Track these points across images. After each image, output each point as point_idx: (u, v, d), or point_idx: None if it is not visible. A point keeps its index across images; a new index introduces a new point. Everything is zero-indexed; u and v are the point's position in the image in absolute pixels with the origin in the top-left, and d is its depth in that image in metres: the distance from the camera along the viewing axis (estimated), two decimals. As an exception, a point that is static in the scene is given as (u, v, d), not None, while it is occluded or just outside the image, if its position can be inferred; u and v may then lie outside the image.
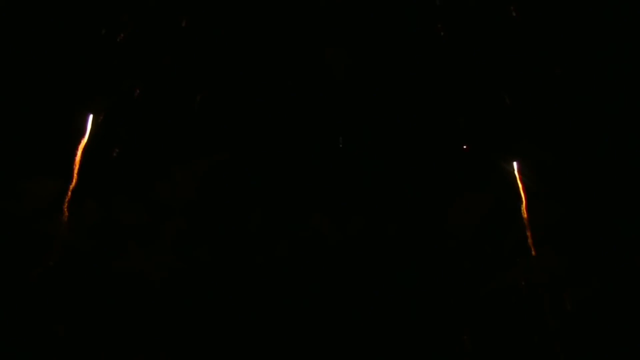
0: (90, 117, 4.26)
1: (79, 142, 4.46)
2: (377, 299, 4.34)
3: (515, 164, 4.78)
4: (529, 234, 4.63)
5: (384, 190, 4.59)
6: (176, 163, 4.52)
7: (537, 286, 4.43)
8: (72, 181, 4.51)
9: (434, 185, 4.55)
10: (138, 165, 4.53)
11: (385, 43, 4.77)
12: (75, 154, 4.45)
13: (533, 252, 4.55)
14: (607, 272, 4.69)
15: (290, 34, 4.61)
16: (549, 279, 4.50)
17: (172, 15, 4.63)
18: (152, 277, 4.37)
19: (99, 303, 4.26)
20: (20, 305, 4.28)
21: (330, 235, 4.56)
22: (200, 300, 4.38)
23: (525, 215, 4.64)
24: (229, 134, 4.53)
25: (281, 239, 4.42)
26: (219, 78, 4.68)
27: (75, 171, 4.47)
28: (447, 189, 4.59)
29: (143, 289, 4.35)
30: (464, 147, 4.79)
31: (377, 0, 4.74)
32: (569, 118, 4.80)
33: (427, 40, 4.70)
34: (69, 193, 4.45)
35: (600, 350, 4.49)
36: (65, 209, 4.39)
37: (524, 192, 4.67)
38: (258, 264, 4.44)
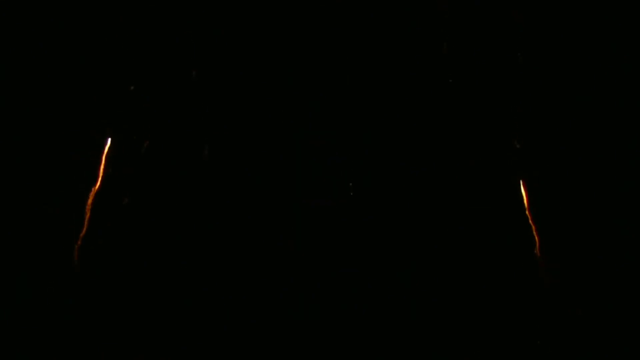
0: (104, 159, 4.29)
1: (91, 188, 4.50)
2: (379, 304, 4.30)
3: (521, 181, 4.72)
4: (537, 242, 4.61)
5: (390, 201, 4.54)
6: (188, 210, 4.50)
7: (544, 293, 4.39)
8: (83, 229, 4.51)
9: (439, 193, 4.51)
10: (148, 211, 4.52)
11: (391, 51, 4.73)
12: (87, 199, 4.47)
13: (539, 259, 4.54)
14: (618, 280, 4.64)
15: (302, 57, 4.59)
16: (557, 286, 4.46)
17: (183, 64, 4.62)
18: (151, 278, 4.34)
19: (100, 304, 4.24)
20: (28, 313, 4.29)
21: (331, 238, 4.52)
22: (200, 300, 4.36)
23: (532, 226, 4.60)
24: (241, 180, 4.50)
25: (281, 239, 4.38)
26: (228, 125, 4.67)
27: (87, 217, 4.49)
28: (452, 197, 4.54)
29: (143, 289, 4.33)
30: (471, 161, 4.75)
31: (384, 9, 4.71)
32: (579, 131, 4.73)
33: (434, 52, 4.68)
34: (80, 240, 4.47)
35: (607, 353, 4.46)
36: (76, 253, 4.41)
37: (527, 199, 4.66)
38: (257, 264, 4.42)
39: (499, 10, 5.40)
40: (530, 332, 5.06)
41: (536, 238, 5.15)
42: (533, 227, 5.16)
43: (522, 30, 5.41)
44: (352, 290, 5.15)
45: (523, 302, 5.12)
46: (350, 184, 5.17)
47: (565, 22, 5.39)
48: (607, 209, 5.16)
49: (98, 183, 5.09)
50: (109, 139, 5.15)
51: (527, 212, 5.20)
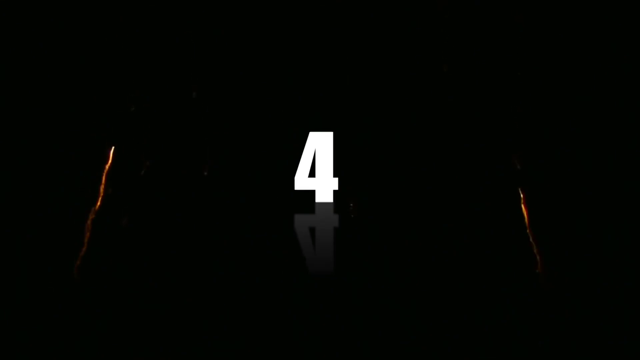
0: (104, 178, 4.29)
1: (90, 208, 4.49)
2: (378, 305, 4.31)
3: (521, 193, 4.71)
4: (535, 249, 4.61)
5: (390, 205, 4.54)
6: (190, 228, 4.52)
7: (542, 297, 4.40)
8: (83, 248, 4.52)
9: (441, 196, 4.52)
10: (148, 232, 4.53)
11: (391, 54, 4.71)
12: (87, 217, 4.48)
13: (539, 265, 4.54)
14: (618, 283, 4.64)
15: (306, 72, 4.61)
16: (556, 289, 4.46)
17: (183, 82, 4.64)
18: (151, 277, 4.35)
19: (100, 316, 4.25)
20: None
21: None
22: (200, 300, 4.37)
23: (529, 233, 4.60)
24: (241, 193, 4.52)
25: (280, 239, 4.38)
26: (230, 148, 4.68)
27: (87, 236, 4.49)
28: (450, 200, 4.54)
29: (143, 296, 4.35)
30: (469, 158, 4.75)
31: (382, 9, 4.70)
32: (579, 142, 4.72)
33: (434, 53, 4.68)
34: (79, 260, 4.47)
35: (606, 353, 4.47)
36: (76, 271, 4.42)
37: (526, 205, 4.66)
38: (256, 263, 4.43)
39: (499, 13, 5.41)
40: (531, 334, 5.08)
41: (534, 242, 5.17)
42: (528, 229, 5.18)
43: (523, 31, 5.41)
44: (351, 291, 5.17)
45: (523, 305, 5.14)
46: (351, 204, 5.19)
47: (567, 27, 5.41)
48: (606, 213, 5.19)
49: (98, 202, 5.10)
50: (110, 159, 5.16)
51: (525, 213, 5.22)
